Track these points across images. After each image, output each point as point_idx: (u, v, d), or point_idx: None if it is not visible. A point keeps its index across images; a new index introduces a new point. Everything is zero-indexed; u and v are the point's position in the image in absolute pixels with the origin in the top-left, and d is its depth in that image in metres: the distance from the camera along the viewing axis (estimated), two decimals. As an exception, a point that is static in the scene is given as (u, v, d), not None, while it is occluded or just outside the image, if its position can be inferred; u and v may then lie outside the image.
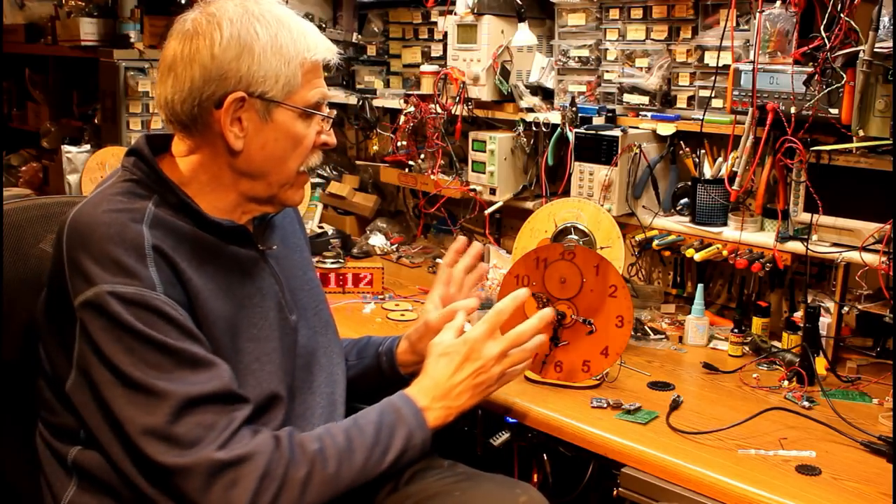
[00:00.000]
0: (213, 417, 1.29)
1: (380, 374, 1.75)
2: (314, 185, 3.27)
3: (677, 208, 2.40)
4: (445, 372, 1.52)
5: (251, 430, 1.34)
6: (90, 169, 3.05)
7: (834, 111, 1.92)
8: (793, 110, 2.02)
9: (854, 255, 1.98)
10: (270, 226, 1.59)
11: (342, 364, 1.67)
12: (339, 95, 3.22)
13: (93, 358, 1.29)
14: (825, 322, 2.03)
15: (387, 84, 3.26)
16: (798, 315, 2.08)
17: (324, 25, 3.32)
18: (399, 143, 3.00)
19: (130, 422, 1.28)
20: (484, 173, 2.73)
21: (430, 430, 1.47)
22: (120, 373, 1.27)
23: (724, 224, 2.26)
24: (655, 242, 2.35)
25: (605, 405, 1.77)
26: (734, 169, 2.20)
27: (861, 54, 1.81)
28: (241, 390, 1.36)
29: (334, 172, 3.39)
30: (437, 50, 3.01)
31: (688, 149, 2.35)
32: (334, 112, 1.52)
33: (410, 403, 1.47)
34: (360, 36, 3.30)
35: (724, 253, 2.22)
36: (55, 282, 1.36)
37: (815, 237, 2.06)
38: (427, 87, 2.88)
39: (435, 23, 3.01)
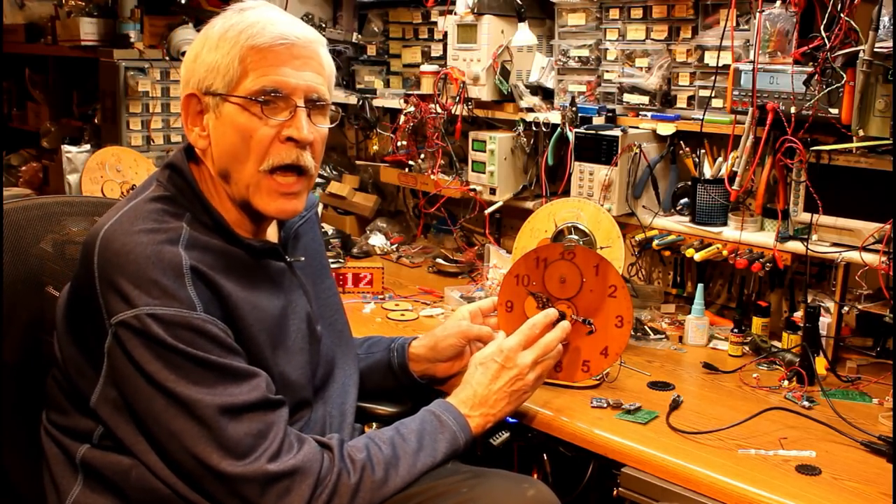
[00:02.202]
0: (260, 425, 1.32)
1: (388, 368, 1.79)
2: (314, 185, 3.27)
3: (677, 208, 2.40)
4: (483, 381, 1.59)
5: (297, 439, 1.37)
6: (90, 169, 3.05)
7: (834, 111, 1.92)
8: (793, 110, 2.02)
9: (854, 255, 1.98)
10: (297, 236, 1.60)
11: (355, 375, 1.69)
12: (339, 95, 3.22)
13: (133, 375, 1.31)
14: (825, 322, 2.02)
15: (387, 84, 3.26)
16: (798, 315, 2.08)
17: (324, 25, 3.32)
18: (399, 143, 3.00)
19: (181, 434, 1.30)
20: (484, 173, 2.73)
21: (472, 433, 1.54)
22: (165, 389, 1.29)
23: (724, 224, 2.26)
24: (655, 242, 2.35)
25: (605, 405, 1.77)
26: (734, 169, 2.20)
27: (861, 54, 1.81)
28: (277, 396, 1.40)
29: (334, 172, 3.39)
30: (437, 50, 3.01)
31: (688, 149, 2.35)
32: (276, 97, 1.38)
33: (451, 409, 1.54)
34: (360, 36, 3.30)
35: (724, 253, 2.22)
36: (81, 294, 1.36)
37: (815, 237, 2.06)
38: (427, 87, 2.88)
39: (435, 23, 3.01)
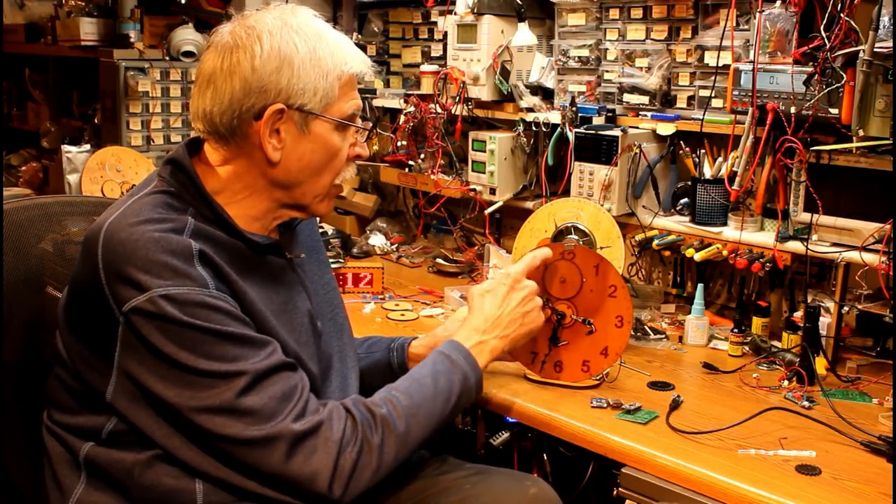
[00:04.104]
0: (283, 388, 1.34)
1: (388, 368, 1.79)
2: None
3: (677, 208, 2.40)
4: (493, 304, 1.62)
5: (322, 402, 1.39)
6: (90, 169, 3.05)
7: (834, 111, 1.92)
8: (793, 110, 2.02)
9: (854, 255, 1.98)
10: (295, 233, 1.61)
11: (356, 369, 1.69)
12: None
13: (152, 360, 1.31)
14: (825, 322, 2.02)
15: (387, 84, 3.26)
16: (798, 315, 2.08)
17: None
18: (399, 143, 3.00)
19: (206, 409, 1.30)
20: (484, 173, 2.73)
21: (480, 369, 1.56)
22: (186, 367, 1.30)
23: (724, 224, 2.26)
24: (655, 242, 2.35)
25: (605, 405, 1.77)
26: (734, 169, 2.20)
27: (861, 54, 1.81)
28: None
29: (334, 172, 3.39)
30: (437, 50, 3.01)
31: (688, 149, 2.35)
32: (369, 124, 1.54)
33: (459, 347, 1.56)
34: (360, 36, 3.30)
35: (724, 253, 2.22)
36: (83, 291, 1.36)
37: (815, 237, 2.06)
38: (427, 86, 2.88)
39: (435, 23, 3.01)
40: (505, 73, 2.68)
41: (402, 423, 1.41)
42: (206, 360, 1.30)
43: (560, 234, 2.20)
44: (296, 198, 1.48)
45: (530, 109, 2.65)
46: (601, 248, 2.11)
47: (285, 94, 1.40)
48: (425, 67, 2.91)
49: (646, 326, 2.21)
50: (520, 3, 2.62)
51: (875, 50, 1.78)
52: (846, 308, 2.04)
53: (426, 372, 1.50)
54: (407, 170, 2.98)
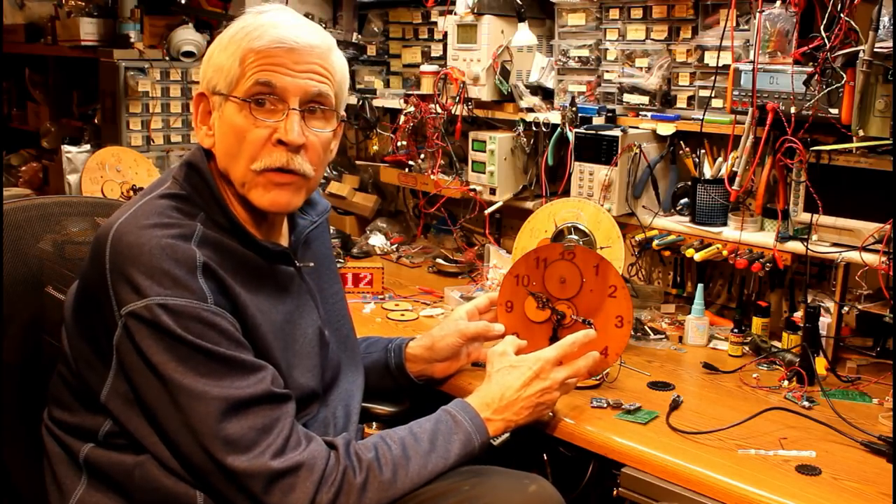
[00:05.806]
0: (264, 420, 1.32)
1: (385, 369, 1.79)
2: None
3: (677, 208, 2.40)
4: (514, 384, 1.58)
5: (305, 436, 1.36)
6: (90, 169, 3.05)
7: (834, 111, 1.92)
8: (793, 110, 2.02)
9: (854, 255, 1.98)
10: (307, 241, 1.60)
11: (360, 379, 1.69)
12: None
13: (142, 367, 1.31)
14: (825, 322, 2.02)
15: (387, 84, 3.26)
16: (798, 315, 2.08)
17: (324, 25, 3.32)
18: (399, 143, 3.00)
19: (187, 427, 1.30)
20: (484, 173, 2.73)
21: (488, 434, 1.52)
22: (172, 381, 1.29)
23: (724, 224, 2.26)
24: (655, 242, 2.35)
25: (605, 405, 1.77)
26: (734, 169, 2.20)
27: (861, 54, 1.81)
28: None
29: (334, 172, 3.39)
30: (437, 50, 3.01)
31: (688, 149, 2.35)
32: (269, 101, 1.39)
33: (469, 410, 1.52)
34: (360, 36, 3.30)
35: (724, 253, 2.22)
36: (90, 289, 1.36)
37: (815, 237, 2.06)
38: (427, 87, 2.88)
39: (435, 23, 3.01)
40: (505, 73, 2.68)
41: (388, 471, 1.38)
42: (192, 377, 1.29)
43: (560, 235, 2.20)
44: (236, 189, 1.44)
45: (530, 109, 2.65)
46: (601, 248, 2.11)
47: (206, 80, 1.44)
48: (425, 67, 2.91)
49: (646, 326, 2.21)
50: (520, 3, 2.62)
51: (875, 50, 1.78)
52: (846, 308, 2.04)
53: (428, 428, 1.47)
54: (407, 170, 2.98)
